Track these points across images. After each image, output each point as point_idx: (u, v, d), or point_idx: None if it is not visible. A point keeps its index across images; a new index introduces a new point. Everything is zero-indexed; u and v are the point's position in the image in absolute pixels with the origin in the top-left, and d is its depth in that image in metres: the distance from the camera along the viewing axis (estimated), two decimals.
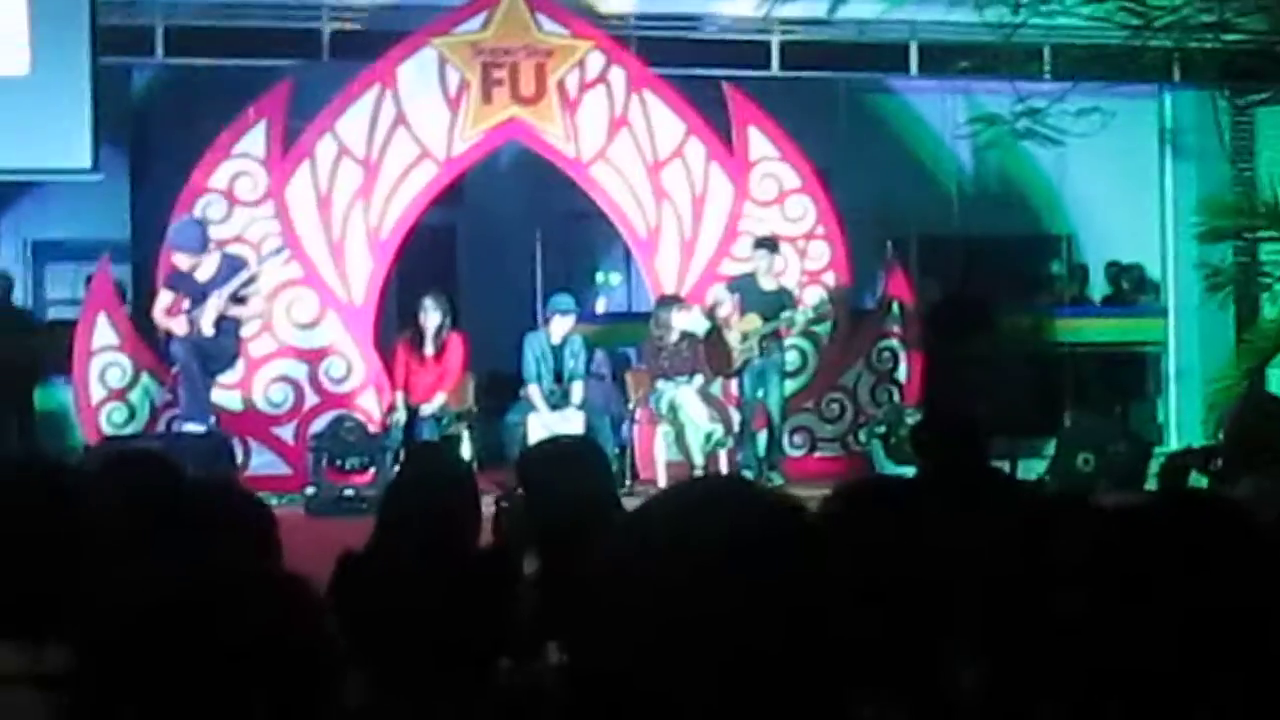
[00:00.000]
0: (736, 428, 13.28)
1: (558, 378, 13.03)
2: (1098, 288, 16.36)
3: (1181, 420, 15.83)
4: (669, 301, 13.41)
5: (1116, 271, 16.12)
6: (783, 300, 13.38)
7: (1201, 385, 15.32)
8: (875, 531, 3.08)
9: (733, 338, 13.29)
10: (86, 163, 13.42)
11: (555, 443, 4.89)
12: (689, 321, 13.30)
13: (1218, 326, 15.50)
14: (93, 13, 13.31)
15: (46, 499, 2.90)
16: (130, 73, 14.89)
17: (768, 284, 13.37)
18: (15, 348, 13.62)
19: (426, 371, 12.94)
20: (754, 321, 13.26)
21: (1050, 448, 13.20)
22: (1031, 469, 12.62)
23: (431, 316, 12.91)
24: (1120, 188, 16.14)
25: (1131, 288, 16.10)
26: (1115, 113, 14.74)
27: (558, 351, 13.05)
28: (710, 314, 13.46)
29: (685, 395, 13.11)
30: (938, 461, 6.05)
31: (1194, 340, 15.95)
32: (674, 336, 13.20)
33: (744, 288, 13.41)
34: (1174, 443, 15.46)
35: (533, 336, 13.14)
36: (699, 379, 13.21)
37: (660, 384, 13.23)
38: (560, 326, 13.08)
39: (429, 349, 12.92)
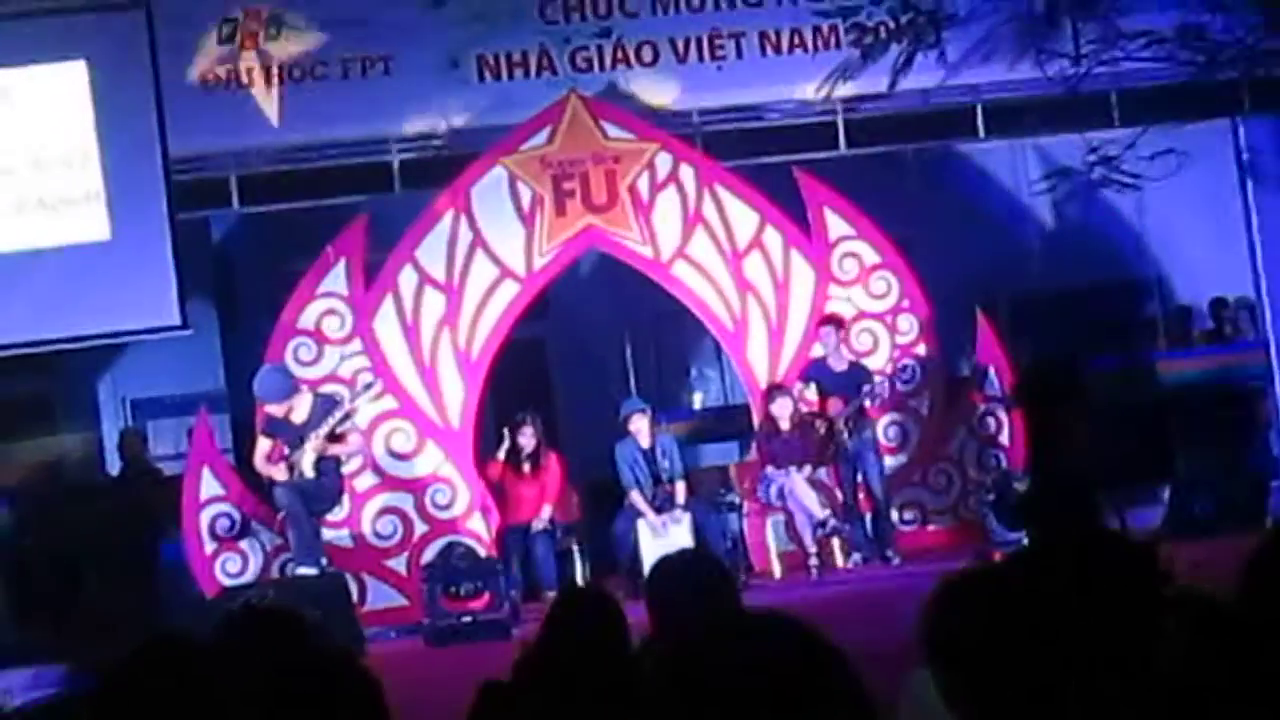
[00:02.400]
0: (844, 511, 13.23)
1: (656, 480, 13.03)
2: (1195, 326, 16.18)
3: None
4: (779, 390, 13.39)
5: (1214, 308, 15.95)
6: (859, 377, 13.35)
7: None
8: (980, 635, 3.04)
9: (821, 424, 13.28)
10: (175, 319, 13.58)
11: (674, 559, 4.85)
12: (795, 409, 13.29)
13: None
14: (166, 171, 13.51)
15: (175, 681, 2.94)
16: (209, 225, 15.06)
17: (838, 364, 13.37)
18: (145, 502, 13.79)
19: (527, 488, 12.98)
20: (836, 404, 13.25)
21: (1165, 494, 13.02)
22: (1148, 518, 12.46)
23: (527, 436, 12.97)
24: (1205, 222, 15.95)
25: (1231, 323, 15.91)
26: (1189, 150, 14.55)
27: (649, 455, 13.06)
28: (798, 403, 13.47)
29: (794, 483, 13.07)
30: (1046, 529, 5.97)
31: None
32: (785, 424, 13.19)
33: (816, 373, 13.42)
34: None
35: (621, 445, 13.15)
36: (807, 466, 13.18)
37: (770, 471, 13.20)
38: (640, 428, 13.09)
39: (526, 467, 12.98)
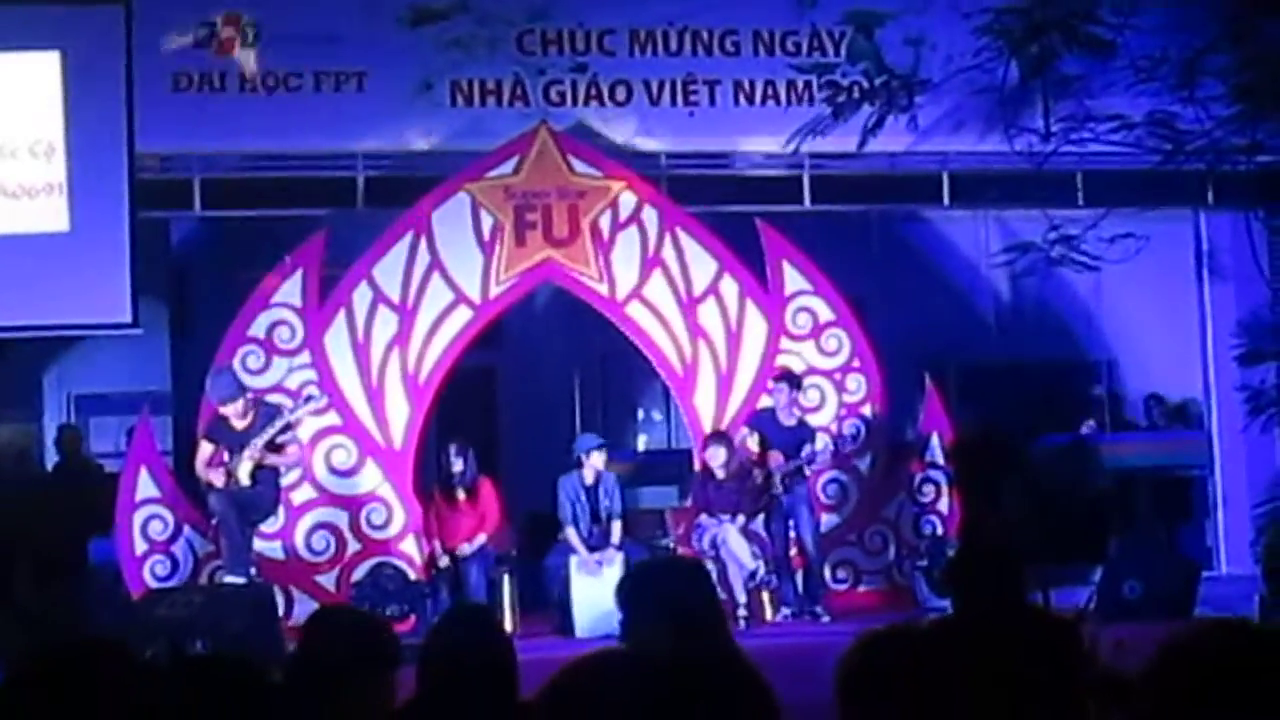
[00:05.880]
0: (775, 565, 13.23)
1: (594, 517, 13.01)
2: (1139, 412, 16.28)
3: (1229, 543, 15.66)
4: (718, 437, 13.38)
5: (1159, 402, 16.06)
6: (803, 435, 13.35)
7: (1249, 509, 15.19)
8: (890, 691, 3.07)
9: (759, 473, 13.27)
10: (127, 317, 13.51)
11: (655, 561, 4.83)
12: (732, 458, 13.28)
13: (1261, 449, 15.40)
14: (131, 169, 13.47)
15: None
16: (169, 226, 15.02)
17: (787, 419, 13.37)
18: (79, 498, 13.69)
19: (461, 516, 12.92)
20: (776, 458, 13.24)
21: (1097, 575, 13.06)
22: (1077, 596, 12.49)
23: (455, 463, 12.93)
24: (1158, 311, 16.05)
25: (1174, 416, 16.01)
26: (1150, 236, 14.62)
27: (591, 492, 13.03)
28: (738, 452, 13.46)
29: (728, 532, 13.06)
30: (968, 598, 5.98)
31: (1240, 462, 15.81)
32: (721, 473, 13.18)
33: (763, 424, 13.41)
34: (1224, 566, 15.36)
35: (566, 479, 13.10)
36: (741, 517, 13.17)
37: (704, 519, 13.19)
38: (596, 464, 13.06)
39: (460, 494, 12.93)
